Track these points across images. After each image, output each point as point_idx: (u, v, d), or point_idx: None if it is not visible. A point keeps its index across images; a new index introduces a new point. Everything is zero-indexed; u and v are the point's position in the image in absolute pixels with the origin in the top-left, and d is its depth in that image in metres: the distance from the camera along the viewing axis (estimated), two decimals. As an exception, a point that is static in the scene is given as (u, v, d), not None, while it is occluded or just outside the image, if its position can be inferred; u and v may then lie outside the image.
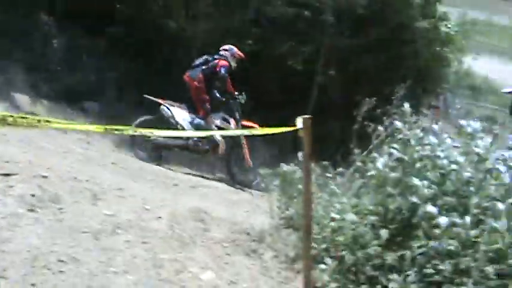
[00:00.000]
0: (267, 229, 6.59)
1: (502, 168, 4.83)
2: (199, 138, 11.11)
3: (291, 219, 6.48)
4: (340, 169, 6.70)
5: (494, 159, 5.13)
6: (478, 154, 5.08)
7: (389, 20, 16.64)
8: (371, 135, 6.60)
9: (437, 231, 4.60)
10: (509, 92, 36.21)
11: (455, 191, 5.00)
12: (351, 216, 5.34)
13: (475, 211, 4.79)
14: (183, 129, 11.13)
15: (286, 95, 16.62)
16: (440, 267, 4.64)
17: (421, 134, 5.38)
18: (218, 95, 11.58)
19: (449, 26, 17.39)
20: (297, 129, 5.02)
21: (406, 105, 5.86)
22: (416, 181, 4.87)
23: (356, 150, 6.41)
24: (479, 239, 4.56)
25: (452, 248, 4.56)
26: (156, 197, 7.31)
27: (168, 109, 11.38)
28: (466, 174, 4.94)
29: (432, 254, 4.70)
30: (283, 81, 16.72)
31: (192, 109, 11.53)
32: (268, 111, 16.31)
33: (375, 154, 5.93)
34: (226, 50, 11.66)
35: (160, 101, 11.34)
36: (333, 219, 5.54)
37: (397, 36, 16.89)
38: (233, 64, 11.61)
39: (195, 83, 11.32)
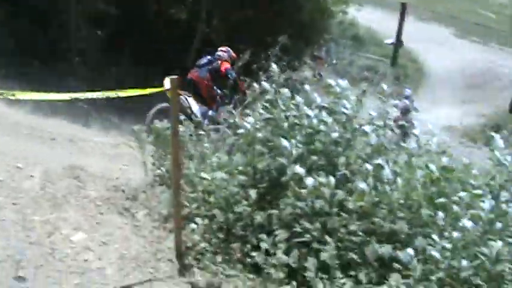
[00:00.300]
0: (141, 186, 6.47)
1: (368, 128, 4.88)
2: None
3: (164, 176, 6.38)
4: (213, 126, 6.62)
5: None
6: (345, 114, 5.12)
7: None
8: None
9: (304, 191, 4.62)
10: (392, 43, 37.30)
11: (324, 151, 5.04)
12: (221, 176, 5.30)
13: (343, 171, 4.85)
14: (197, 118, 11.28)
15: (170, 45, 16.46)
16: (308, 226, 4.69)
17: (289, 94, 5.35)
18: (219, 91, 12.21)
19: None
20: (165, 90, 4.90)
21: (274, 66, 5.80)
22: (284, 141, 4.86)
23: (229, 107, 6.35)
24: (346, 198, 4.63)
25: (319, 207, 4.60)
26: (30, 154, 7.03)
27: (186, 99, 11.80)
28: (334, 135, 4.97)
29: (300, 214, 4.74)
30: (166, 31, 16.49)
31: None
32: (152, 61, 16.13)
33: (247, 111, 5.88)
34: (224, 51, 12.45)
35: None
36: (204, 179, 5.49)
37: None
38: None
39: (205, 82, 12.15)
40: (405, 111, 19.10)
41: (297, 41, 18.08)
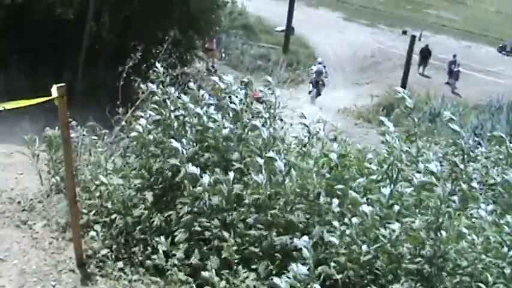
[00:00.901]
0: (38, 196, 6.32)
1: (258, 122, 4.95)
2: None
3: (60, 184, 6.25)
4: (105, 130, 6.53)
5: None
6: (234, 110, 5.18)
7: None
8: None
9: (200, 189, 4.65)
10: (282, 30, 37.83)
11: (217, 148, 5.08)
12: (116, 181, 5.26)
13: (238, 166, 4.91)
14: None
15: (60, 44, 16.14)
16: (207, 224, 4.73)
17: (176, 94, 5.36)
18: None
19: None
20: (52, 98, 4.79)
21: (158, 65, 5.79)
22: (174, 142, 4.87)
23: (121, 109, 6.29)
24: (242, 193, 4.69)
25: (216, 204, 4.64)
26: None
27: None
28: (225, 131, 5.02)
29: (199, 212, 4.77)
30: (54, 31, 16.12)
31: None
32: (42, 61, 15.74)
33: (139, 113, 5.84)
34: None
35: None
36: (99, 184, 5.42)
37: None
38: None
39: None
40: (319, 73, 27.58)
41: (188, 34, 18.12)
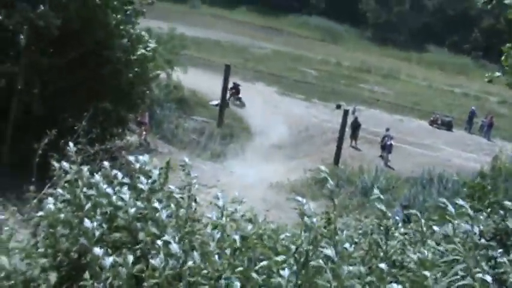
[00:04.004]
0: None
1: (158, 205, 4.95)
2: None
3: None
4: (14, 208, 6.36)
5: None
6: (142, 190, 5.17)
7: (88, 39, 16.72)
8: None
9: (101, 272, 4.57)
10: (217, 105, 38.21)
11: (126, 227, 5.03)
12: (19, 260, 5.10)
13: (141, 246, 4.86)
14: None
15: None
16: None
17: (87, 174, 5.32)
18: None
19: (149, 44, 17.91)
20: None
21: (71, 145, 5.76)
22: (86, 222, 4.80)
23: (31, 187, 6.18)
24: (142, 275, 4.62)
25: (117, 286, 4.56)
26: None
27: None
28: (132, 210, 4.98)
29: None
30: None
31: None
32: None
33: (51, 191, 5.75)
34: None
35: None
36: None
37: (98, 56, 17.04)
38: None
39: None
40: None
41: (119, 107, 18.16)
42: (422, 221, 5.22)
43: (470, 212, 4.74)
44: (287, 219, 10.89)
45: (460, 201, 4.77)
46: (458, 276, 4.37)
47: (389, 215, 5.05)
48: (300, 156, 34.30)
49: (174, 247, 4.40)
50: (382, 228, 5.06)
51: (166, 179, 5.58)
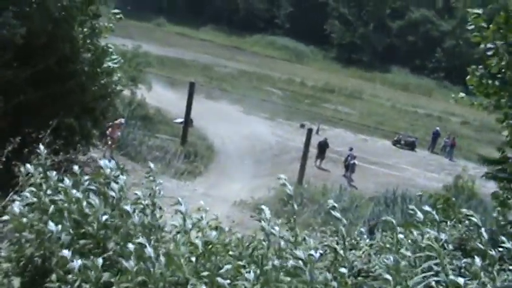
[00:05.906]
0: None
1: (130, 208, 4.94)
2: None
3: None
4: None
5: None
6: (112, 196, 5.14)
7: (54, 52, 16.53)
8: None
9: (71, 276, 4.52)
10: (181, 122, 38.14)
11: (94, 234, 4.99)
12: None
13: (110, 252, 4.83)
14: None
15: None
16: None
17: (56, 177, 5.29)
18: None
19: (113, 59, 17.81)
20: None
21: (42, 147, 5.73)
22: (52, 226, 4.75)
23: (-3, 193, 6.12)
24: (112, 280, 4.59)
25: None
26: None
27: None
28: (103, 217, 4.95)
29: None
30: None
31: None
32: None
33: (15, 197, 5.69)
34: None
35: None
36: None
37: (63, 69, 16.88)
38: None
39: None
40: None
41: (84, 121, 17.98)
42: (398, 228, 5.24)
43: (437, 217, 4.82)
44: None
45: (427, 208, 4.84)
46: (433, 272, 4.42)
47: (345, 222, 5.07)
48: (264, 174, 34.33)
49: (149, 250, 4.38)
50: (345, 237, 5.08)
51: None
